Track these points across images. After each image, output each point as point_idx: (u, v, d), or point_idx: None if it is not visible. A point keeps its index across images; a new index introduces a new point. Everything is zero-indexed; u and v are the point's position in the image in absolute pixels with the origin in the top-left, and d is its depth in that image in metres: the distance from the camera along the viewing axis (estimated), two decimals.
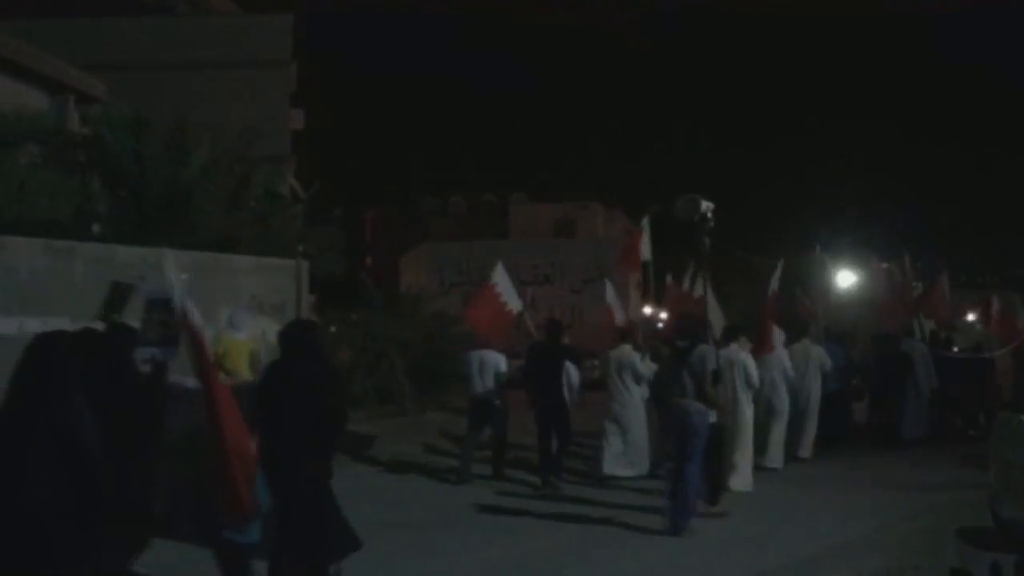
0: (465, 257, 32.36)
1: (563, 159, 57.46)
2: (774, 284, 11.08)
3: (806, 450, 11.29)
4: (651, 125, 70.37)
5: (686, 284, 13.91)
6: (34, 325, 8.24)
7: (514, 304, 11.01)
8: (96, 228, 10.10)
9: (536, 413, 9.74)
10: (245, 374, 8.15)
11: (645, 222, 11.95)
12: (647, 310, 32.00)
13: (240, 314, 8.79)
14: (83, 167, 10.55)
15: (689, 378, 7.50)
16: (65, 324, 7.98)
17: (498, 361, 10.08)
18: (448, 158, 45.34)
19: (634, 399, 10.06)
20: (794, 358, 11.21)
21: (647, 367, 10.10)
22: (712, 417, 7.68)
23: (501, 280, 10.99)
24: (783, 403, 10.67)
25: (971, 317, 18.53)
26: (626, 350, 10.18)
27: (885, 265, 15.53)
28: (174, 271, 4.77)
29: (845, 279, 24.63)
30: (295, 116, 23.42)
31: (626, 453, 9.97)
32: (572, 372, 9.96)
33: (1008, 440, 5.46)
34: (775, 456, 10.51)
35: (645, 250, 11.83)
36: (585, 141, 66.79)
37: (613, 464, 9.89)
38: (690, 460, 7.42)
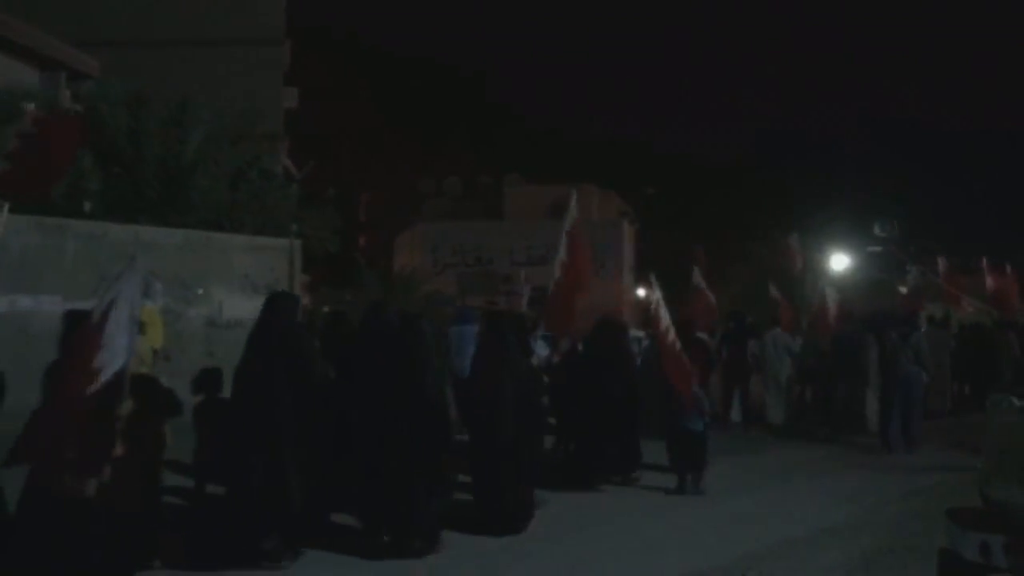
0: (459, 238, 32.23)
1: (557, 140, 57.12)
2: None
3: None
4: (642, 104, 69.87)
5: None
6: (26, 303, 8.20)
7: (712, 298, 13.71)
8: (88, 206, 10.03)
9: (724, 376, 12.62)
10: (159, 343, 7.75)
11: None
12: (641, 292, 32.05)
13: (154, 283, 8.04)
14: None
15: (912, 352, 10.72)
16: (57, 302, 7.95)
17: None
18: (443, 139, 45.03)
19: (787, 369, 12.77)
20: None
21: (796, 345, 12.89)
22: (925, 378, 10.93)
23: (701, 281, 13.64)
24: None
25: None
26: (779, 332, 12.93)
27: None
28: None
29: (839, 262, 24.58)
30: (288, 94, 23.27)
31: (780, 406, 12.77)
32: (752, 346, 12.95)
33: (999, 420, 5.47)
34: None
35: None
36: (580, 122, 66.56)
37: (775, 414, 12.67)
38: (915, 406, 10.74)
